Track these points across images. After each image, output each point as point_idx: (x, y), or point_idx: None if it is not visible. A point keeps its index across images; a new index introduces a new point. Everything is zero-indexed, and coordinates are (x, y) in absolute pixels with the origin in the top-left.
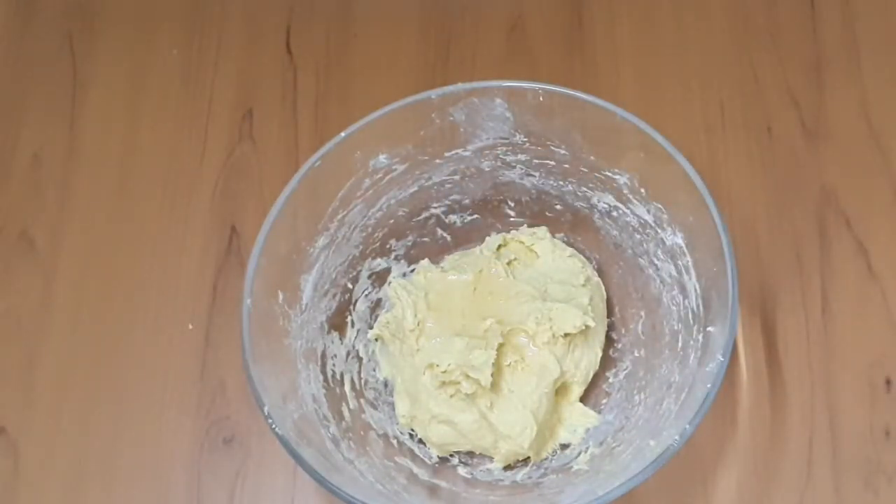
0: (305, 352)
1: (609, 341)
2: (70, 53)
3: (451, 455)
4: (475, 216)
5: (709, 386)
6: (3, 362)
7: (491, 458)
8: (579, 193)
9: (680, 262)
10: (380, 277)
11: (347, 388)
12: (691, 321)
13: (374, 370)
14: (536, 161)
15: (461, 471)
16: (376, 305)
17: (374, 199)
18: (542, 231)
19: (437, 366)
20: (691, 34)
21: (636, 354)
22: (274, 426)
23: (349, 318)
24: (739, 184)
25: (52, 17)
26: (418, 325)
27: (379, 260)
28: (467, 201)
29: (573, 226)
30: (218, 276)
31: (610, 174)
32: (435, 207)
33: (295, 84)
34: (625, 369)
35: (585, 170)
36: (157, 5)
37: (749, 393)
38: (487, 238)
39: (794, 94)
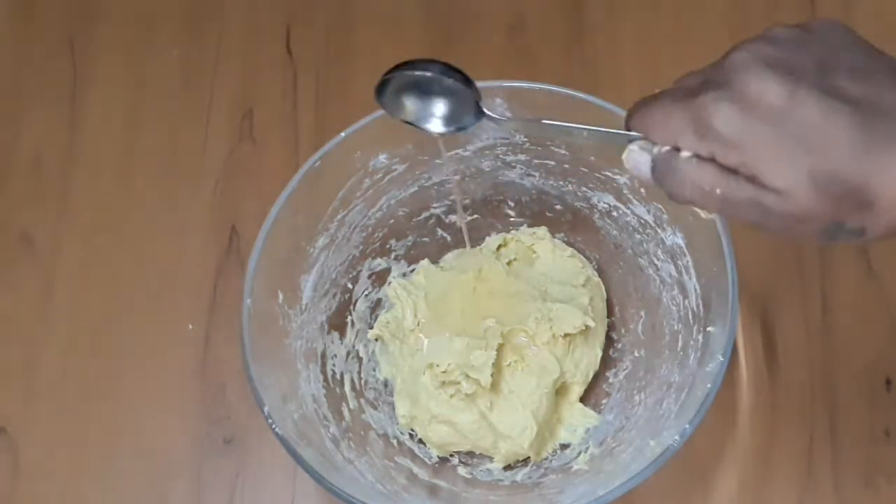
0: (305, 352)
1: (609, 341)
2: (70, 53)
3: (451, 455)
4: (475, 216)
5: (709, 386)
6: (3, 362)
7: (491, 458)
8: (579, 193)
9: (680, 262)
10: (380, 277)
11: (347, 388)
12: (691, 321)
13: (374, 370)
14: (536, 161)
15: (461, 471)
16: (376, 305)
17: (374, 199)
18: (542, 231)
19: (437, 366)
20: (691, 34)
21: (636, 354)
22: (274, 426)
23: (349, 318)
24: None
25: (52, 17)
26: (418, 325)
27: (379, 260)
28: (467, 201)
29: (573, 226)
30: (218, 276)
31: (610, 174)
32: (435, 207)
33: (295, 84)
34: (625, 369)
35: (585, 170)
36: (157, 5)
37: (749, 393)
38: (487, 238)
39: None
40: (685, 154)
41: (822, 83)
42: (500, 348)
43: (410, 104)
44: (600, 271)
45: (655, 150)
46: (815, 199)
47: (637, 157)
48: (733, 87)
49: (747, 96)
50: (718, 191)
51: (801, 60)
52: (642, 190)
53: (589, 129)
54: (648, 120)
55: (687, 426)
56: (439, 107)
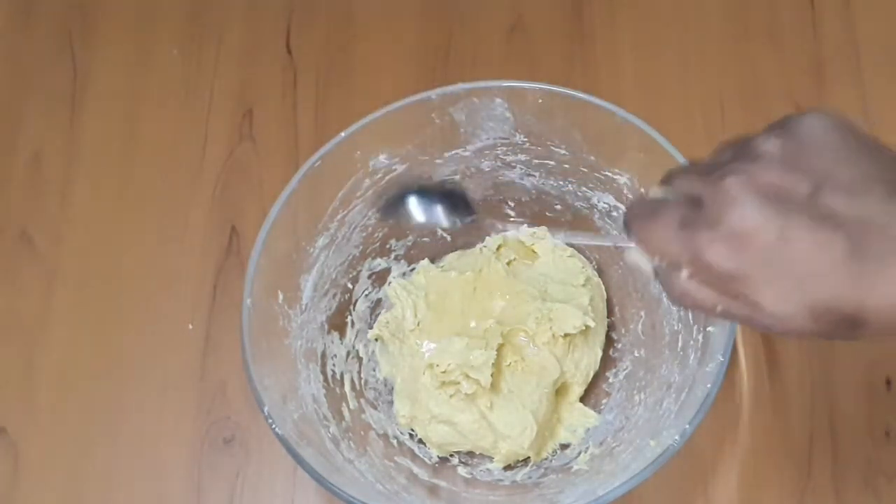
0: (305, 352)
1: (609, 341)
2: (70, 53)
3: (451, 455)
4: (475, 216)
5: (709, 386)
6: (3, 362)
7: (491, 458)
8: (579, 193)
9: None
10: (380, 277)
11: (347, 388)
12: (691, 321)
13: (374, 370)
14: (536, 161)
15: (461, 471)
16: (376, 305)
17: (375, 198)
18: (542, 231)
19: (437, 366)
20: (691, 34)
21: (636, 354)
22: (274, 426)
23: (349, 318)
24: None
25: (52, 17)
26: (418, 324)
27: (379, 260)
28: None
29: (573, 226)
30: (218, 276)
31: (610, 174)
32: None
33: (295, 84)
34: (625, 369)
35: (585, 170)
36: (157, 5)
37: (749, 393)
38: (487, 238)
39: (794, 94)
40: (685, 273)
41: (814, 209)
42: (500, 348)
43: (418, 212)
44: (600, 271)
45: (656, 260)
46: (811, 325)
47: (638, 260)
48: (727, 223)
49: (741, 234)
50: (719, 308)
51: (795, 183)
52: (643, 190)
53: (595, 243)
54: (648, 241)
55: (687, 426)
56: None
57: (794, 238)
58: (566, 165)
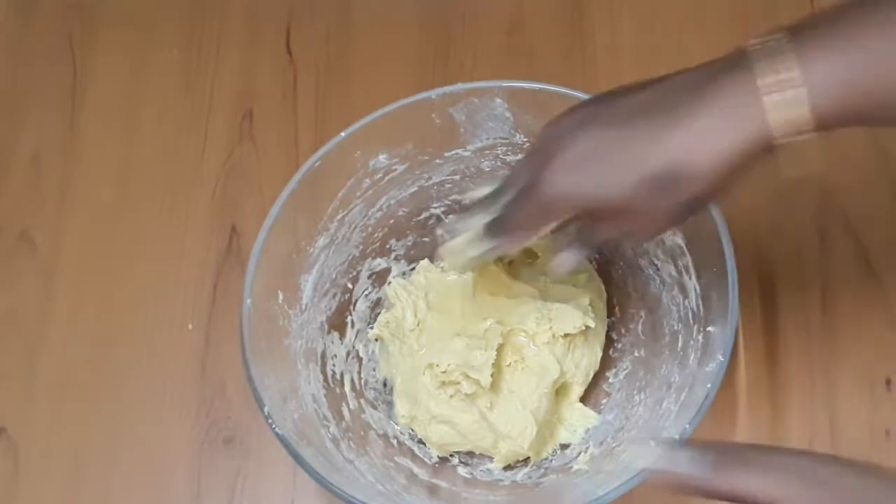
0: (305, 352)
1: (609, 341)
2: (70, 53)
3: (451, 455)
4: None
5: (709, 386)
6: (3, 362)
7: (491, 458)
8: None
9: (680, 262)
10: (380, 277)
11: (347, 388)
12: (691, 321)
13: (374, 370)
14: None
15: (461, 471)
16: (376, 305)
17: (374, 199)
18: None
19: (437, 366)
20: (691, 35)
21: (636, 354)
22: (274, 426)
23: (349, 318)
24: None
25: (52, 17)
26: (418, 325)
27: (379, 260)
28: (467, 201)
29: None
30: (218, 276)
31: None
32: (435, 207)
33: (295, 84)
34: (625, 369)
35: None
36: (157, 5)
37: (749, 393)
38: None
39: None
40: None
41: (607, 117)
42: (500, 348)
43: None
44: (600, 271)
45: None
46: (645, 197)
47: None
48: (555, 155)
49: (571, 158)
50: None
51: (588, 114)
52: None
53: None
54: (520, 227)
55: (687, 426)
56: None
57: (601, 138)
58: None
